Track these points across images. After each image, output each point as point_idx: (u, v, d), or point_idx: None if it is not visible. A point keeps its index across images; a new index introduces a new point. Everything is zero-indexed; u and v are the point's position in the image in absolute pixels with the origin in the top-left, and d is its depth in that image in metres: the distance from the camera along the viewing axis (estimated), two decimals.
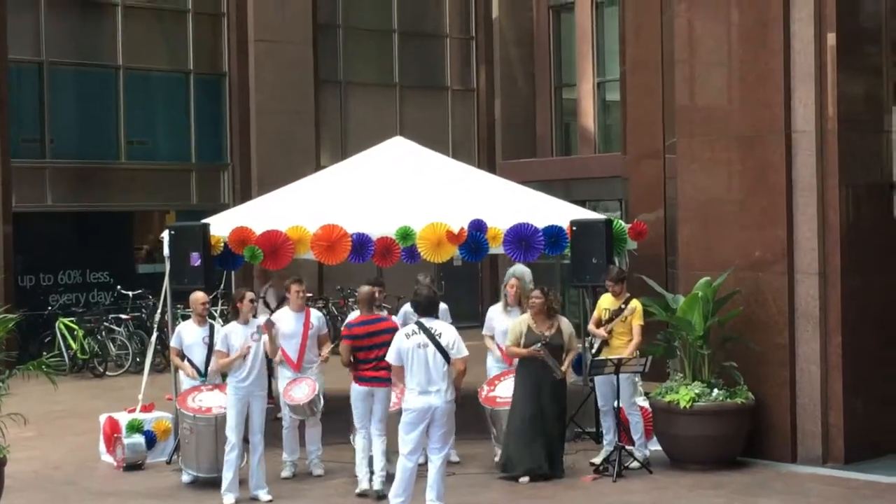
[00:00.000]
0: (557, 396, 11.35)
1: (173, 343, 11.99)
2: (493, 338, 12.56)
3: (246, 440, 10.77)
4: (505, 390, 11.97)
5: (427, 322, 9.89)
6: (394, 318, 12.09)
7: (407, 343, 9.83)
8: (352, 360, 10.74)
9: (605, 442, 11.92)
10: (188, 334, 11.90)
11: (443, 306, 12.36)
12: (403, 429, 9.83)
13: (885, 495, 10.49)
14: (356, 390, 10.78)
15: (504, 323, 12.40)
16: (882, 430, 12.00)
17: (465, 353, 9.84)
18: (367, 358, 10.70)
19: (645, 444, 11.87)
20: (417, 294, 10.12)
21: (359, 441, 10.84)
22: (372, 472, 10.71)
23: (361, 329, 10.85)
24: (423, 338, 9.78)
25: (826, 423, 11.71)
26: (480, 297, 25.84)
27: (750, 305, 11.90)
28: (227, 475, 10.71)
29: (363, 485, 10.70)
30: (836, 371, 11.71)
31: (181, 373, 12.02)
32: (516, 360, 11.66)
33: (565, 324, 11.48)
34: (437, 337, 9.76)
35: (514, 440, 11.26)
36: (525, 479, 11.17)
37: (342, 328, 11.44)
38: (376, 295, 12.09)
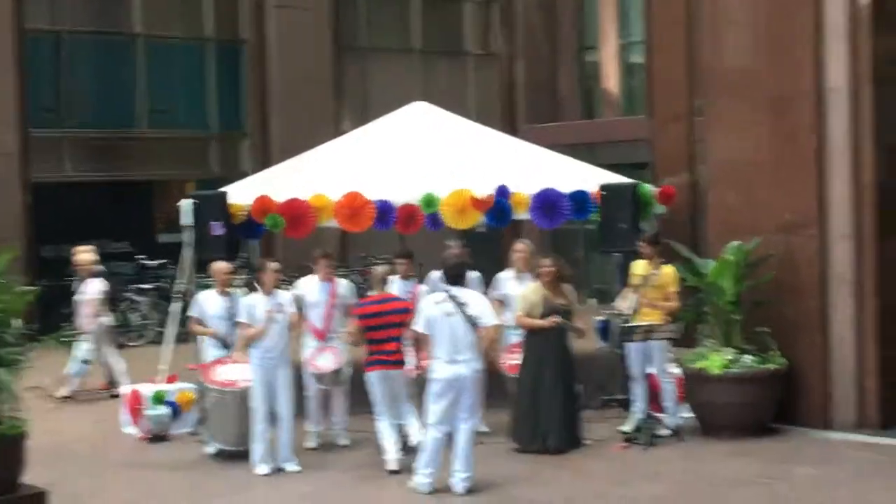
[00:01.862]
0: (567, 367, 11.17)
1: (193, 312, 11.83)
2: (503, 303, 12.36)
3: (272, 412, 10.63)
4: None
5: (455, 290, 9.70)
6: (420, 286, 11.93)
7: (434, 311, 9.66)
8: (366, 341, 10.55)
9: (634, 410, 11.72)
10: (209, 304, 11.75)
11: (474, 274, 12.19)
12: (431, 399, 9.67)
13: None
14: (370, 376, 10.48)
15: (516, 290, 12.22)
16: None
17: (494, 321, 9.66)
18: (379, 338, 10.45)
19: (677, 412, 11.68)
20: (446, 261, 9.93)
21: (382, 428, 10.55)
22: (406, 446, 10.48)
23: (372, 308, 10.61)
24: (450, 306, 9.60)
25: (861, 389, 11.50)
26: (501, 264, 25.60)
27: (782, 269, 11.66)
28: (258, 447, 10.58)
29: (392, 464, 10.46)
30: (871, 336, 11.48)
31: (204, 343, 11.87)
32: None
33: (569, 289, 11.37)
34: (464, 305, 9.57)
35: (522, 418, 11.07)
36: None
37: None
38: (404, 267, 11.90)
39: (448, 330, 9.57)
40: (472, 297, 9.74)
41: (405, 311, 10.46)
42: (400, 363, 10.52)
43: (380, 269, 11.03)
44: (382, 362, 10.43)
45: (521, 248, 12.49)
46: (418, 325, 9.85)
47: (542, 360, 11.08)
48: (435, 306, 9.72)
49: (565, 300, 11.25)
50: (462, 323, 9.55)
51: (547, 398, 10.98)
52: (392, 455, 10.40)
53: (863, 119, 11.43)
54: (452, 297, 9.64)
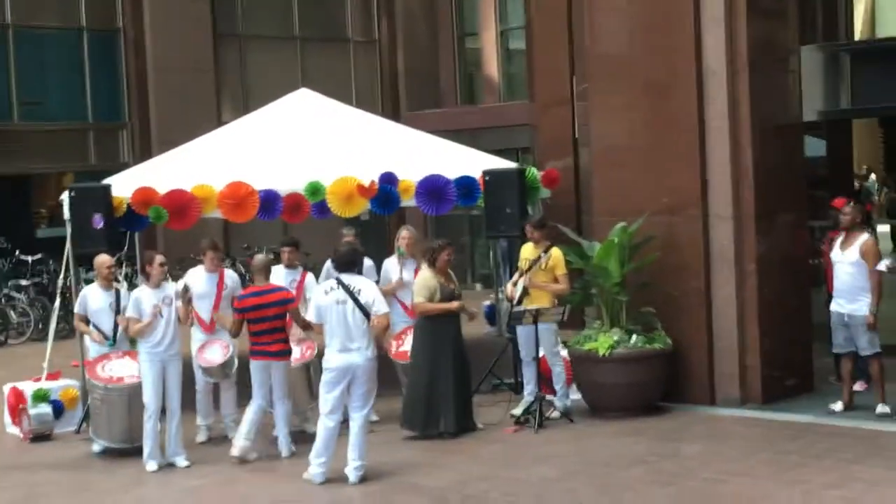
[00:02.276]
0: (462, 351, 11.22)
1: (77, 309, 11.56)
2: (395, 287, 12.37)
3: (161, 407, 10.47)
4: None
5: (346, 278, 9.66)
6: (308, 274, 11.87)
7: (325, 300, 9.61)
8: (246, 332, 10.48)
9: (525, 392, 11.81)
10: (94, 299, 11.49)
11: (367, 262, 12.19)
12: (324, 388, 9.63)
13: (805, 435, 10.54)
14: (252, 363, 10.50)
15: (399, 275, 12.24)
16: (796, 370, 12.10)
17: (386, 309, 9.66)
18: (259, 330, 10.40)
19: (566, 394, 11.80)
20: (337, 249, 9.88)
21: (248, 410, 10.52)
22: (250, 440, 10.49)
23: (251, 301, 10.53)
24: (341, 294, 9.55)
25: (743, 365, 11.74)
26: (389, 251, 25.61)
27: (665, 250, 11.84)
28: (148, 442, 10.42)
29: (234, 450, 10.46)
30: (752, 313, 11.73)
31: (88, 339, 11.64)
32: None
33: (451, 274, 11.50)
34: (356, 293, 9.54)
35: (417, 404, 11.07)
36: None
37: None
38: (285, 256, 11.83)
39: (340, 318, 9.52)
40: (364, 285, 9.70)
41: (286, 302, 10.39)
42: (281, 354, 10.46)
43: (260, 259, 10.92)
44: (264, 353, 10.41)
45: (405, 234, 12.50)
46: (309, 314, 9.80)
47: (438, 345, 11.09)
48: (325, 295, 9.66)
49: (454, 285, 11.31)
50: (353, 311, 9.51)
51: (443, 383, 11.00)
52: (239, 440, 10.44)
53: (741, 102, 11.65)
54: (343, 285, 9.59)
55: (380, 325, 9.64)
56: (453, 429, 11.00)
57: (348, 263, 9.77)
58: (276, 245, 13.61)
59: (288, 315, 10.46)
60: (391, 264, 12.50)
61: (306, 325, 10.22)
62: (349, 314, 9.51)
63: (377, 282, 11.55)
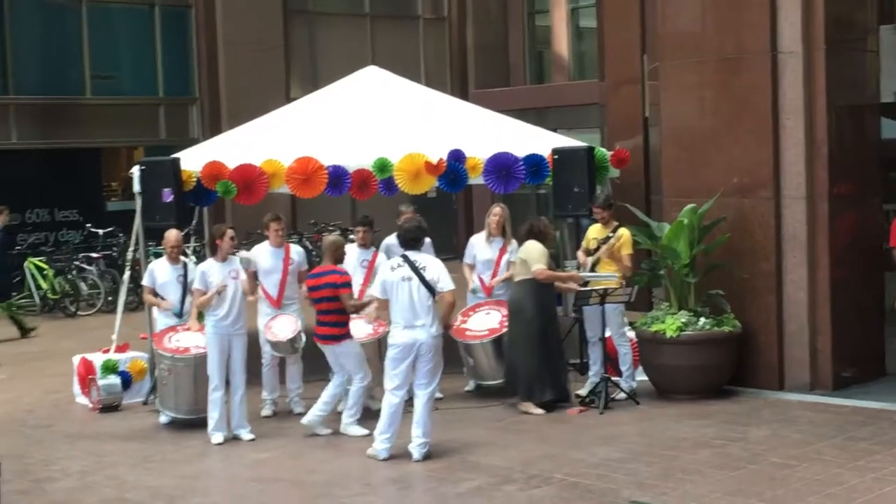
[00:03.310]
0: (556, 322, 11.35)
1: (146, 282, 11.66)
2: (473, 267, 12.32)
3: (226, 380, 10.53)
4: (476, 324, 11.80)
5: (412, 255, 9.63)
6: (380, 254, 11.84)
7: (391, 276, 9.59)
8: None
9: (590, 373, 11.74)
10: (161, 273, 11.58)
11: (427, 240, 12.13)
12: (389, 364, 9.62)
13: (876, 421, 10.35)
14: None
15: (485, 253, 12.19)
16: (868, 356, 11.90)
17: (452, 286, 9.59)
18: (318, 310, 10.44)
19: (632, 375, 11.71)
20: (403, 226, 9.84)
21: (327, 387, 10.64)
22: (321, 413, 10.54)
23: (309, 282, 10.62)
24: (407, 271, 9.53)
25: (814, 350, 11.56)
26: (456, 229, 25.61)
27: (736, 232, 11.68)
28: (213, 415, 10.48)
29: (305, 419, 10.56)
30: (824, 296, 11.54)
31: (156, 312, 11.73)
32: (500, 292, 11.87)
33: None
34: (421, 270, 9.51)
35: (541, 373, 11.10)
36: (540, 411, 11.06)
37: None
38: (359, 236, 11.74)
39: (405, 295, 9.49)
40: (429, 262, 9.66)
41: (335, 286, 10.31)
42: (323, 338, 10.41)
43: (327, 240, 10.89)
44: (316, 335, 10.46)
45: (497, 211, 12.36)
46: (375, 290, 9.80)
47: (548, 314, 11.14)
48: (391, 271, 9.65)
49: None
50: (418, 288, 9.48)
51: (557, 350, 11.15)
52: (313, 411, 10.52)
53: (817, 81, 11.43)
54: (409, 262, 9.57)
55: (445, 303, 9.59)
56: (565, 395, 11.17)
57: (414, 240, 9.73)
58: (340, 221, 13.63)
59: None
60: (478, 240, 12.42)
61: (356, 309, 10.26)
62: (414, 291, 9.48)
63: (452, 258, 11.52)
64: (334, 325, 10.35)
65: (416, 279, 9.49)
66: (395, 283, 9.55)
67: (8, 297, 17.34)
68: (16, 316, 16.88)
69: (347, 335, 10.44)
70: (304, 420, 10.54)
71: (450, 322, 9.85)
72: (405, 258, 9.63)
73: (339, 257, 10.61)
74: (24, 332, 16.85)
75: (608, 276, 11.40)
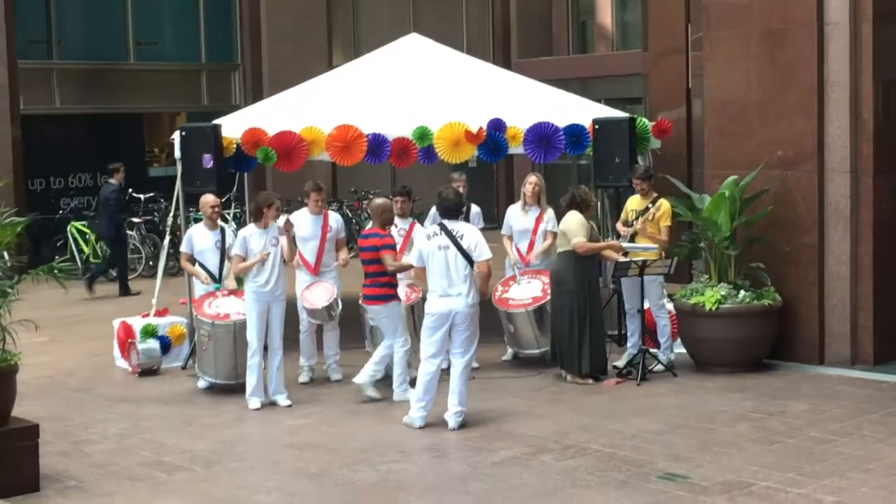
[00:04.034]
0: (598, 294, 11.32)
1: (184, 248, 11.70)
2: (511, 238, 12.29)
3: (265, 346, 10.57)
4: (518, 292, 11.79)
5: (449, 224, 9.61)
6: (416, 224, 11.82)
7: (428, 245, 9.58)
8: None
9: (628, 345, 11.69)
10: (199, 239, 11.62)
11: (475, 209, 12.21)
12: (425, 332, 9.63)
13: None
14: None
15: (522, 222, 12.15)
16: None
17: (488, 255, 9.56)
18: (365, 272, 10.50)
19: (671, 348, 11.65)
20: (441, 194, 9.80)
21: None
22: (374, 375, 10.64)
23: (360, 244, 10.68)
24: (444, 239, 9.51)
25: (855, 325, 11.46)
26: (496, 199, 25.55)
27: (778, 204, 11.57)
28: (251, 380, 10.54)
29: (358, 378, 10.61)
30: (867, 271, 11.41)
31: (195, 277, 11.79)
32: (536, 262, 11.90)
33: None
34: (458, 239, 9.49)
35: (595, 344, 11.11)
36: (589, 381, 11.09)
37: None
38: (398, 206, 11.63)
39: (442, 263, 9.47)
40: (466, 230, 9.64)
41: (381, 248, 10.33)
42: (368, 298, 10.50)
43: (374, 203, 10.88)
44: (362, 295, 10.55)
45: (533, 180, 12.26)
46: (412, 258, 9.79)
47: (590, 285, 11.10)
48: (428, 240, 9.63)
49: None
50: (455, 256, 9.46)
51: (599, 322, 11.15)
52: (361, 374, 10.58)
53: (863, 53, 11.26)
54: (446, 230, 9.55)
55: (482, 271, 9.57)
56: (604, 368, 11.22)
57: (452, 209, 9.70)
58: (379, 189, 13.60)
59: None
60: (514, 210, 12.36)
61: (396, 270, 10.31)
62: (451, 260, 9.46)
63: (493, 228, 11.47)
64: (377, 285, 10.38)
65: (452, 248, 9.46)
66: (431, 251, 9.53)
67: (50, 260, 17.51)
68: (124, 281, 17.71)
69: (392, 297, 10.47)
70: (356, 379, 10.57)
71: (486, 291, 9.80)
72: (442, 226, 9.61)
73: (385, 220, 10.63)
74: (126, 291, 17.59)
75: (648, 247, 11.34)
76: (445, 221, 9.65)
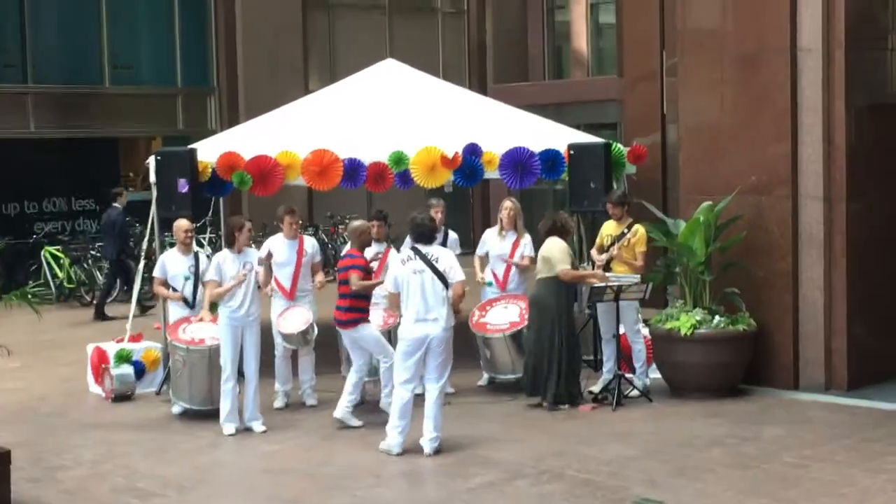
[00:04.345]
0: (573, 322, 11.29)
1: (157, 273, 11.64)
2: (483, 259, 12.32)
3: (239, 371, 10.52)
4: (496, 317, 11.77)
5: (423, 248, 9.60)
6: (391, 249, 11.80)
7: (403, 270, 9.57)
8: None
9: (604, 370, 11.70)
10: (172, 264, 11.58)
11: (452, 235, 12.24)
12: (399, 358, 9.60)
13: (888, 422, 10.30)
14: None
15: (499, 247, 12.19)
16: (884, 357, 11.81)
17: (462, 276, 9.57)
18: (338, 294, 10.48)
19: (646, 373, 11.66)
20: (413, 219, 9.80)
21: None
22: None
23: (338, 264, 10.65)
24: (419, 263, 9.51)
25: (829, 350, 11.50)
26: (472, 223, 25.58)
27: (753, 230, 11.63)
28: (225, 405, 10.48)
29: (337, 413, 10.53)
30: (840, 297, 11.47)
31: (170, 302, 11.73)
32: (513, 286, 11.97)
33: None
34: (434, 262, 9.48)
35: (570, 373, 11.09)
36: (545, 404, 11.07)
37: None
38: (374, 230, 11.54)
39: (417, 288, 9.47)
40: (441, 253, 9.65)
41: (349, 268, 10.33)
42: (338, 322, 10.47)
43: (351, 225, 10.90)
44: (335, 319, 10.55)
45: (508, 205, 12.33)
46: (388, 284, 9.77)
47: (569, 312, 11.10)
48: (403, 265, 9.63)
49: None
50: (431, 279, 9.46)
51: (576, 350, 11.14)
52: (339, 408, 10.50)
53: (836, 79, 11.36)
54: (420, 255, 9.54)
55: (456, 292, 9.55)
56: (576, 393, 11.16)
57: (426, 234, 9.70)
58: (356, 214, 13.62)
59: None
60: (491, 235, 12.39)
61: (361, 290, 10.28)
62: (427, 283, 9.45)
63: (468, 254, 11.49)
64: (350, 309, 10.34)
65: (428, 271, 9.46)
66: (406, 276, 9.52)
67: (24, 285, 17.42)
68: (101, 305, 17.64)
69: (364, 320, 10.43)
70: (336, 414, 10.49)
71: (459, 309, 9.77)
72: (416, 251, 9.60)
73: (364, 242, 10.65)
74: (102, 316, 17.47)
75: (629, 277, 11.32)
76: (419, 245, 9.65)
